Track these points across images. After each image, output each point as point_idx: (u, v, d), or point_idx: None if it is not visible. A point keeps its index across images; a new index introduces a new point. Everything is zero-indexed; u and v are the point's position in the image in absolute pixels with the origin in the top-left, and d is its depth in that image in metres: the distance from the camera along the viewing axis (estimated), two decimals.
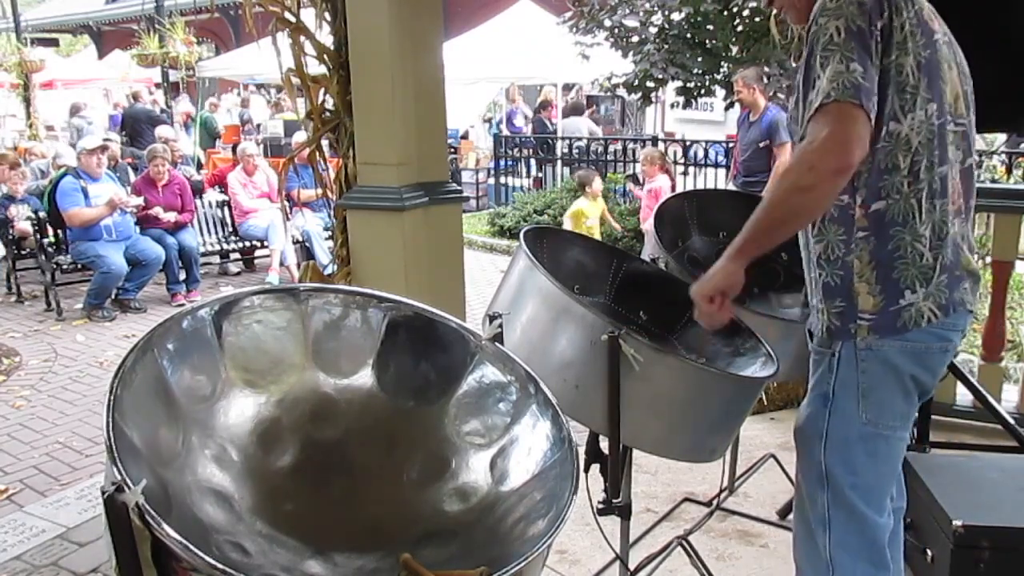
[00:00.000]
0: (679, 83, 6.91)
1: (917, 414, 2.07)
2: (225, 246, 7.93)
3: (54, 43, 25.18)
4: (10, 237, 7.06)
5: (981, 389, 3.09)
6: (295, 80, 2.93)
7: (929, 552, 2.42)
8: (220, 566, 1.05)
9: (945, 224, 1.62)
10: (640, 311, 2.30)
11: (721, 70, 6.73)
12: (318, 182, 3.13)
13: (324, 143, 3.02)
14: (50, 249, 6.77)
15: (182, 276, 7.05)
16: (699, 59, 6.65)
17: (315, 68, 2.94)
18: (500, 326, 1.65)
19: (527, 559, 1.22)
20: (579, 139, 11.21)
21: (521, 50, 11.91)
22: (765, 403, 3.85)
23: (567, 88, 13.83)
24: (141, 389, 1.31)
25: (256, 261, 8.32)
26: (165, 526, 1.07)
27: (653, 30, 6.84)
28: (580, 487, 1.39)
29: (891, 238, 1.61)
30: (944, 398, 3.58)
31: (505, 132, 12.94)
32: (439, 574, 1.27)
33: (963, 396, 3.64)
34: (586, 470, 1.94)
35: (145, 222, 6.93)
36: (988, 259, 3.91)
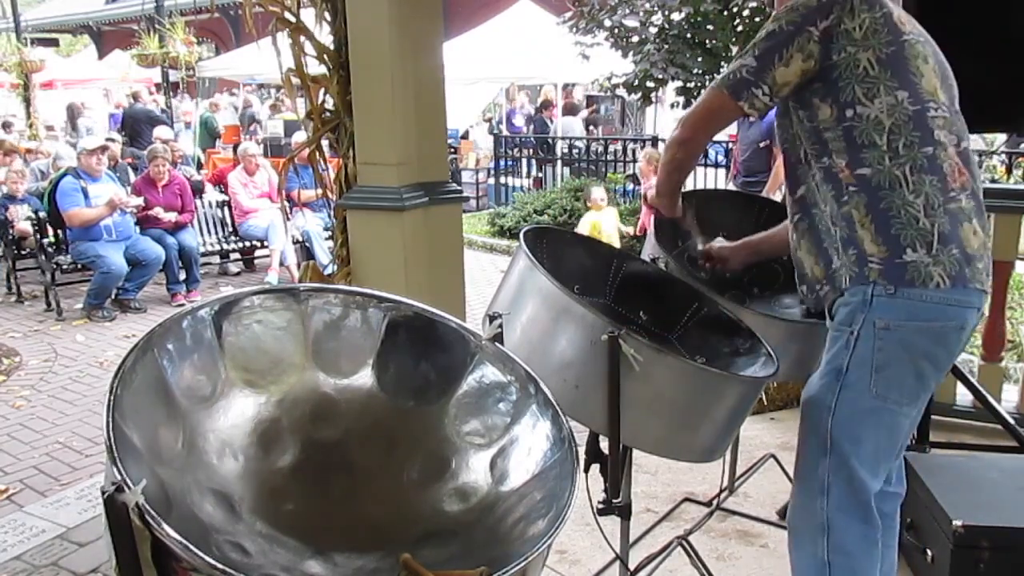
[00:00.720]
0: (679, 83, 6.91)
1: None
2: (225, 246, 7.93)
3: (54, 43, 25.19)
4: (10, 237, 7.07)
5: (981, 389, 3.10)
6: (295, 80, 2.93)
7: (929, 552, 2.42)
8: (220, 566, 1.05)
9: (938, 197, 1.72)
10: (640, 311, 2.29)
11: (721, 70, 6.73)
12: (318, 182, 3.13)
13: (324, 143, 3.02)
14: (50, 249, 6.77)
15: (182, 276, 7.06)
16: (699, 59, 6.64)
17: (315, 68, 2.94)
18: (500, 326, 1.65)
19: (527, 559, 1.22)
20: (579, 139, 11.22)
21: (521, 50, 11.92)
22: (765, 403, 3.85)
23: (567, 88, 13.84)
24: (141, 389, 1.31)
25: (256, 261, 8.33)
26: (165, 526, 1.07)
27: (653, 30, 6.84)
28: (580, 487, 1.39)
29: (881, 199, 1.73)
30: (944, 398, 3.58)
31: (504, 132, 12.95)
32: (439, 574, 1.27)
33: (963, 396, 3.64)
34: (586, 470, 1.94)
35: (145, 222, 6.93)
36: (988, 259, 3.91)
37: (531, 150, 11.70)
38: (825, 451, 1.82)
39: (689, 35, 6.69)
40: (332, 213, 3.08)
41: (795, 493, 1.95)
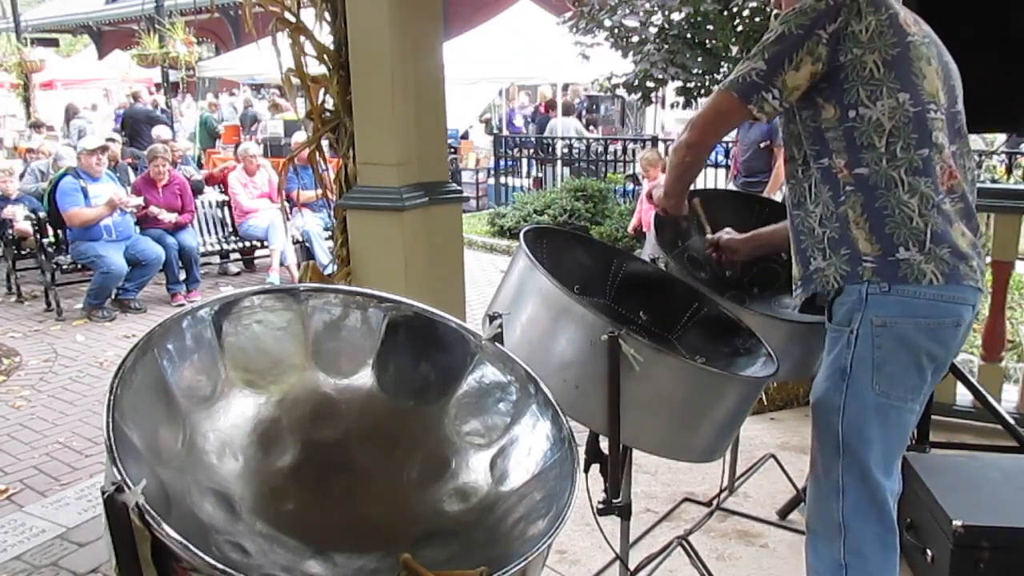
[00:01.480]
0: (679, 83, 6.90)
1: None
2: (225, 246, 7.93)
3: (54, 43, 25.20)
4: (10, 237, 7.07)
5: (981, 389, 3.10)
6: (295, 80, 2.93)
7: (929, 552, 2.42)
8: (220, 566, 1.05)
9: (932, 198, 1.74)
10: (640, 311, 2.29)
11: (721, 70, 6.72)
12: (318, 182, 3.13)
13: (324, 143, 3.02)
14: (50, 249, 6.77)
15: (182, 276, 7.06)
16: (699, 59, 6.64)
17: (315, 68, 2.94)
18: (500, 326, 1.65)
19: (527, 559, 1.22)
20: (579, 139, 11.21)
21: (521, 50, 11.91)
22: (765, 403, 3.85)
23: (569, 87, 13.84)
24: (141, 389, 1.31)
25: (256, 261, 8.33)
26: (165, 526, 1.07)
27: (653, 30, 6.83)
28: (580, 487, 1.39)
29: (877, 198, 1.75)
30: (944, 398, 3.58)
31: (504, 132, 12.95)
32: (439, 574, 1.27)
33: (963, 396, 3.63)
34: (586, 470, 1.94)
35: (145, 222, 6.93)
36: (988, 259, 3.91)
37: (531, 150, 11.69)
38: (838, 452, 1.83)
39: (689, 35, 6.68)
40: (332, 213, 3.08)
41: (810, 495, 1.96)
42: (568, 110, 12.60)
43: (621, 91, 7.52)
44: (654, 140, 10.59)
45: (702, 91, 6.91)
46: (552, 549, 1.34)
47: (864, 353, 1.77)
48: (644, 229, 6.94)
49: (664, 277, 2.31)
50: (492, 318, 1.66)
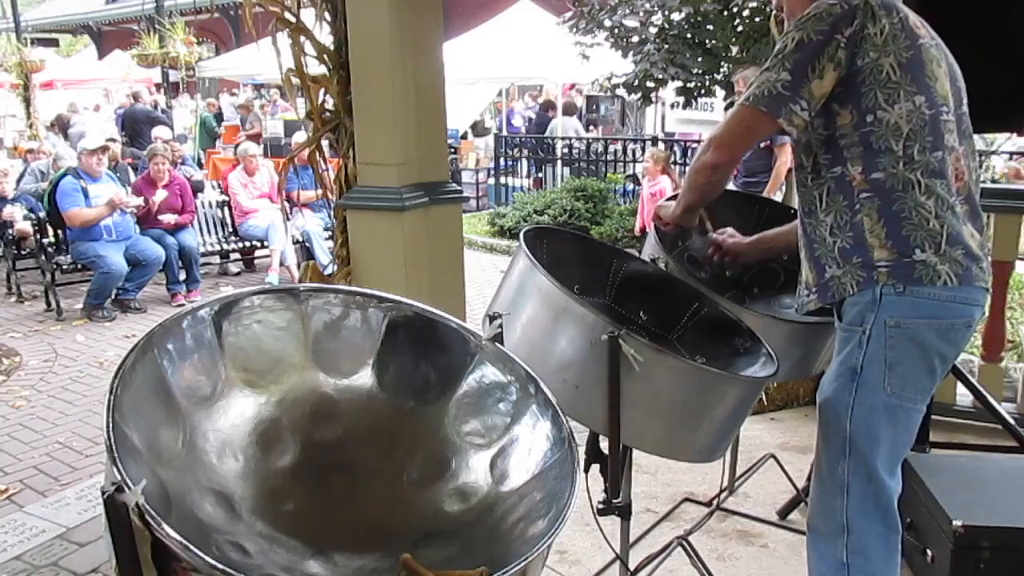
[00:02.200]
0: (679, 83, 6.90)
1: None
2: (225, 246, 7.93)
3: (54, 43, 25.19)
4: (10, 237, 7.06)
5: (981, 389, 3.09)
6: (295, 80, 2.93)
7: (929, 552, 2.42)
8: (220, 566, 1.05)
9: (947, 199, 1.74)
10: (640, 311, 2.29)
11: (721, 70, 6.72)
12: (318, 182, 3.13)
13: (324, 143, 3.02)
14: (50, 249, 6.77)
15: (182, 276, 7.05)
16: (699, 59, 6.64)
17: (315, 68, 2.94)
18: (500, 326, 1.65)
19: (527, 559, 1.22)
20: (579, 139, 11.21)
21: (521, 50, 11.91)
22: (765, 403, 3.85)
23: (572, 87, 13.83)
24: (141, 389, 1.31)
25: (256, 261, 8.33)
26: (165, 526, 1.07)
27: (653, 30, 6.83)
28: (580, 487, 1.39)
29: (894, 200, 1.74)
30: (944, 398, 3.58)
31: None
32: (439, 574, 1.27)
33: (963, 396, 3.63)
34: (586, 470, 1.94)
35: (146, 221, 6.93)
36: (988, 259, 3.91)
37: (530, 150, 11.69)
38: (844, 452, 1.83)
39: (689, 35, 6.68)
40: (332, 213, 3.08)
41: (814, 494, 1.95)
42: (569, 110, 12.59)
43: (621, 91, 7.52)
44: (654, 140, 10.60)
45: (702, 91, 6.91)
46: (552, 549, 1.34)
47: (876, 354, 1.76)
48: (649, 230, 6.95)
49: (664, 277, 2.31)
50: (492, 318, 1.66)
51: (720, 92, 7.12)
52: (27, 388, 5.00)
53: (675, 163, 9.51)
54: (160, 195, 6.94)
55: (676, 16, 6.66)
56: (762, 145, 5.86)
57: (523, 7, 13.22)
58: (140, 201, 6.84)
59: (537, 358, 1.73)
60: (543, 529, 1.35)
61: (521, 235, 2.00)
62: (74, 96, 15.69)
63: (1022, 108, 2.86)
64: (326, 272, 3.17)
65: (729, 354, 2.13)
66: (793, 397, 4.01)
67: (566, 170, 10.92)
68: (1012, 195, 3.69)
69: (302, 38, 2.89)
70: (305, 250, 7.72)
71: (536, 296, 1.87)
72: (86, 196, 6.52)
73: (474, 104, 13.69)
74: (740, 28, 6.37)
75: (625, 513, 2.07)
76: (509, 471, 1.55)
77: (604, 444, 1.96)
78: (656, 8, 6.72)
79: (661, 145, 9.95)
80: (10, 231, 7.05)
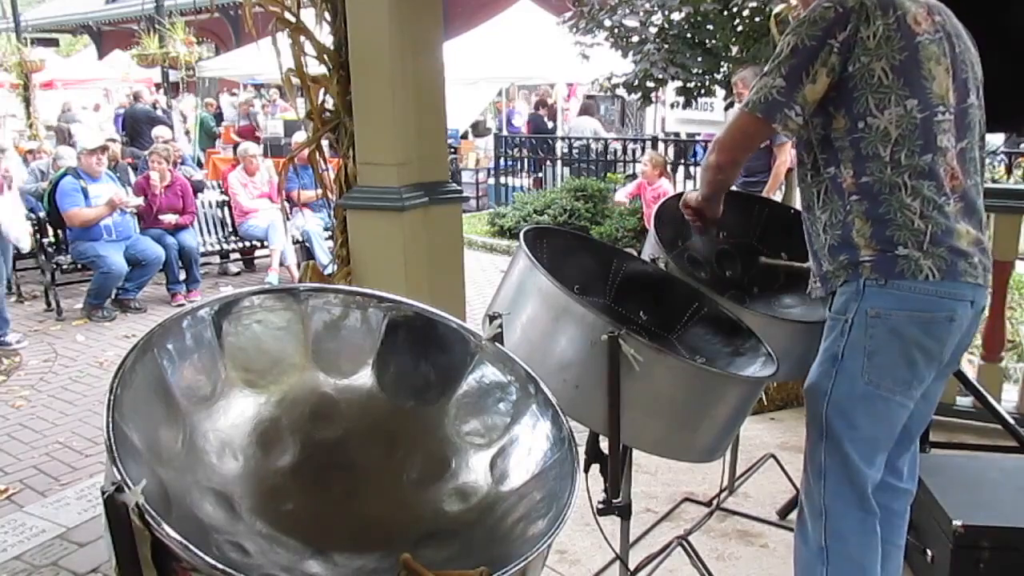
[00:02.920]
0: (679, 83, 6.90)
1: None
2: (225, 246, 7.93)
3: (54, 43, 25.19)
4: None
5: (981, 389, 3.09)
6: (295, 80, 2.93)
7: (929, 552, 2.43)
8: (220, 566, 1.05)
9: (935, 199, 1.76)
10: (640, 311, 2.30)
11: (721, 70, 6.72)
12: (318, 182, 3.13)
13: (324, 143, 3.02)
14: (50, 249, 6.77)
15: (182, 276, 7.05)
16: (699, 59, 6.63)
17: (315, 68, 2.94)
18: (500, 326, 1.65)
19: (527, 559, 1.22)
20: (579, 139, 11.20)
21: (521, 50, 11.91)
22: (765, 403, 3.85)
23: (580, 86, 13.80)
24: (141, 389, 1.31)
25: (256, 261, 8.32)
26: (165, 526, 1.07)
27: (653, 30, 6.82)
28: (580, 487, 1.39)
29: (880, 203, 1.77)
30: (944, 398, 3.56)
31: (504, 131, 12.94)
32: (439, 574, 1.27)
33: (963, 396, 3.63)
34: (586, 470, 1.94)
35: (147, 220, 6.92)
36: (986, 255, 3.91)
37: (529, 150, 11.69)
38: (822, 435, 1.87)
39: (689, 35, 6.67)
40: (332, 213, 3.08)
41: (801, 482, 1.99)
42: (588, 110, 12.55)
43: (621, 91, 7.51)
44: (654, 140, 10.59)
45: (702, 91, 6.91)
46: (552, 549, 1.34)
47: (856, 341, 1.80)
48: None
49: (664, 277, 2.31)
50: (492, 318, 1.66)
51: (720, 92, 7.13)
52: (27, 388, 5.00)
53: (682, 163, 9.54)
54: (154, 176, 6.90)
55: (676, 16, 6.65)
56: (762, 145, 5.86)
57: (523, 7, 13.22)
58: (140, 201, 6.84)
59: (537, 358, 1.73)
60: (543, 529, 1.35)
61: (521, 235, 2.00)
62: (74, 96, 15.68)
63: (1021, 108, 2.86)
64: (326, 272, 3.17)
65: (729, 354, 2.13)
66: (793, 397, 4.01)
67: (566, 170, 10.91)
68: (1012, 195, 3.69)
69: (302, 38, 2.89)
70: (305, 250, 7.72)
71: (536, 296, 1.87)
72: (86, 196, 6.52)
73: (474, 104, 13.68)
74: (740, 28, 6.37)
75: (625, 513, 2.07)
76: (509, 471, 1.55)
77: (604, 444, 1.96)
78: (656, 8, 6.71)
79: (661, 146, 9.95)
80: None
